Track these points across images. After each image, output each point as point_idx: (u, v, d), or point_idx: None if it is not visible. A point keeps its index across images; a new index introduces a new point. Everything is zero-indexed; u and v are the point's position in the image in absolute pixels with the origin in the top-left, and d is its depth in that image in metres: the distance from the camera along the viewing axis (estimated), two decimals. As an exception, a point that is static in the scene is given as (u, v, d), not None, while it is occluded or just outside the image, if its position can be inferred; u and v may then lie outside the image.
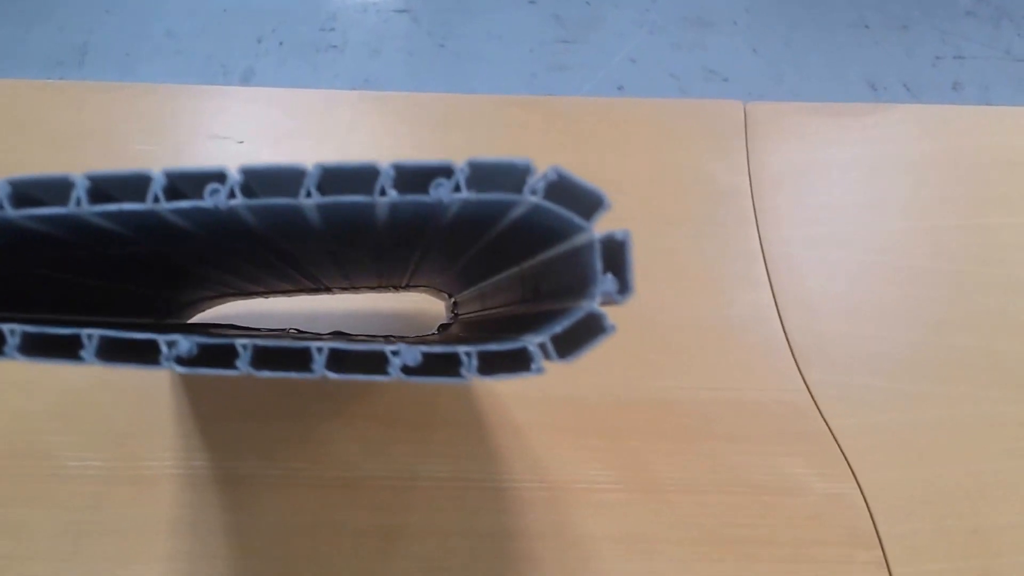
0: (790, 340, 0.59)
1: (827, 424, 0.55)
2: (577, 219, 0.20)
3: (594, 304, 0.21)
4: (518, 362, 0.21)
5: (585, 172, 0.62)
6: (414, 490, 0.51)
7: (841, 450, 0.54)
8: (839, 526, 0.51)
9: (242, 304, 0.58)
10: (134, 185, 0.21)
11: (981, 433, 0.56)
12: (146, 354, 0.22)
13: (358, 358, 0.21)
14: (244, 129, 0.68)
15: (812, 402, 0.56)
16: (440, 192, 0.20)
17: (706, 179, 0.68)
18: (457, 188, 0.20)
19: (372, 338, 0.58)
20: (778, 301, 0.61)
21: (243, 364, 0.21)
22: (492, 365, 0.21)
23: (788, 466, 0.53)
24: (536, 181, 0.20)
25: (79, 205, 0.21)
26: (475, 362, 0.21)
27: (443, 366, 0.21)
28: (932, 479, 0.53)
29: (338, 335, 0.59)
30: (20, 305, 0.27)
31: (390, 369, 0.21)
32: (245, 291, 0.54)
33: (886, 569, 0.49)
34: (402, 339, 0.55)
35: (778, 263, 0.64)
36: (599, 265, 0.20)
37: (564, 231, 0.21)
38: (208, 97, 0.71)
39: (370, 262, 0.40)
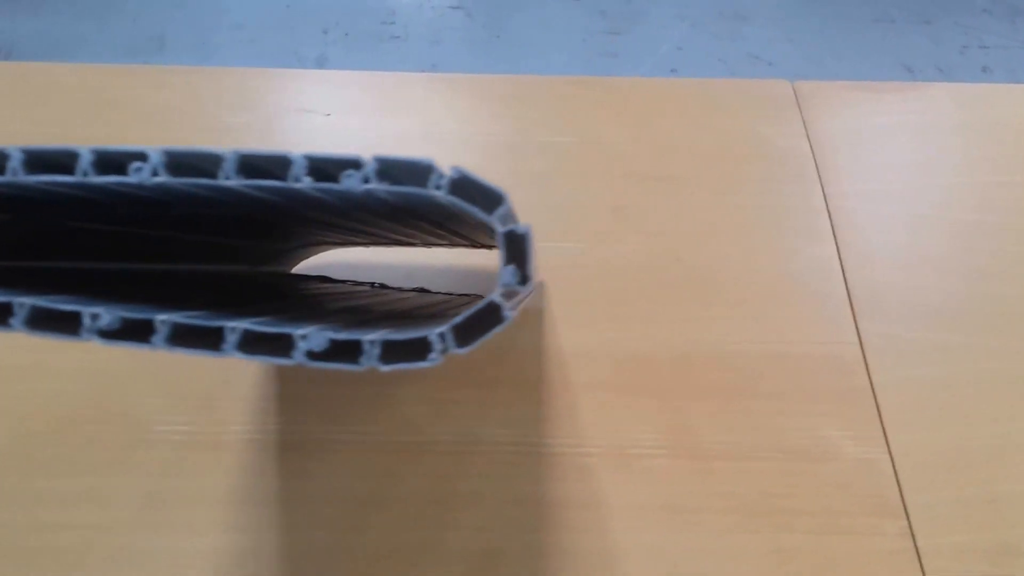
0: (850, 291, 0.58)
1: (869, 378, 0.53)
2: (480, 213, 0.20)
3: (494, 295, 0.21)
4: (418, 351, 0.21)
5: (647, 142, 0.63)
6: (474, 455, 0.50)
7: (877, 408, 0.53)
8: (868, 495, 0.49)
9: (344, 253, 0.59)
10: (64, 160, 0.22)
11: (1012, 390, 0.54)
12: (69, 325, 0.22)
13: (267, 340, 0.21)
14: (328, 105, 0.70)
15: (860, 355, 0.54)
16: (350, 183, 0.20)
17: (765, 143, 0.67)
18: (367, 180, 0.20)
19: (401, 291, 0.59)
20: (841, 254, 0.60)
21: (159, 340, 0.22)
22: (393, 354, 0.21)
23: (823, 427, 0.52)
24: (439, 178, 0.20)
25: (15, 175, 0.22)
26: (376, 351, 0.21)
27: (346, 353, 0.21)
28: (958, 441, 0.52)
29: (381, 287, 0.60)
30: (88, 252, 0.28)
31: (295, 353, 0.21)
32: (339, 242, 0.55)
33: (911, 540, 0.48)
34: (462, 296, 0.57)
35: (840, 217, 0.62)
36: (501, 257, 0.20)
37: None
38: (289, 78, 0.73)
39: (390, 228, 0.40)
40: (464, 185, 0.20)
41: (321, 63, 1.76)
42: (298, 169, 0.20)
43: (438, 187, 0.19)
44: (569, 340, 0.55)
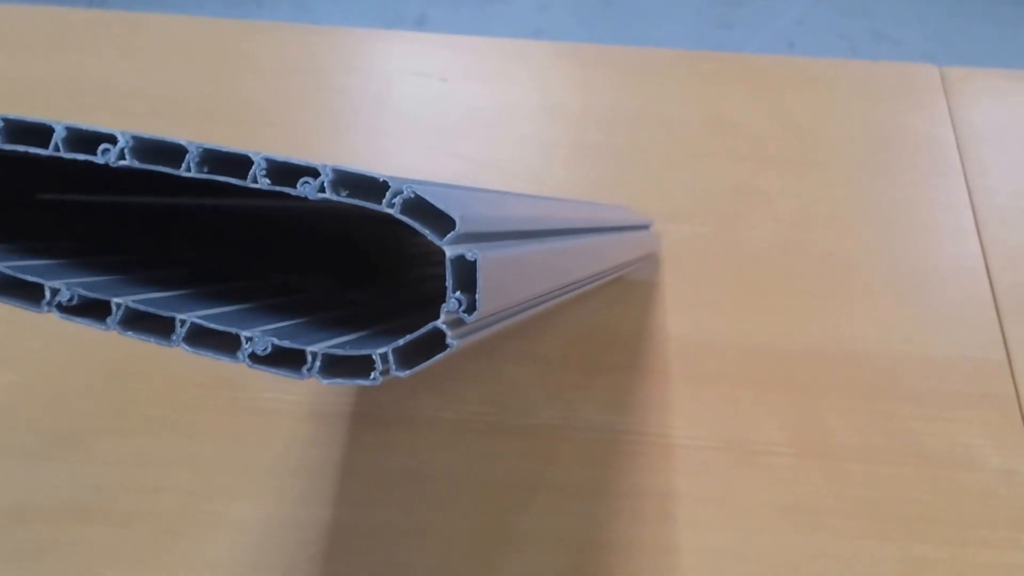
0: (995, 293, 0.57)
1: (1015, 386, 0.52)
2: (431, 235, 0.20)
3: (438, 322, 0.21)
4: (360, 369, 0.21)
5: (777, 123, 0.63)
6: (587, 442, 0.50)
7: (1023, 416, 0.51)
8: (1010, 507, 0.48)
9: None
10: (40, 131, 0.23)
11: None
12: (31, 296, 0.23)
13: (214, 336, 0.22)
14: (443, 70, 0.71)
15: (1007, 361, 0.53)
16: (305, 190, 0.20)
17: (908, 131, 0.66)
18: (322, 189, 0.20)
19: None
20: (986, 252, 0.59)
21: (112, 322, 0.22)
22: (335, 369, 0.22)
23: (965, 435, 0.51)
24: (394, 196, 0.20)
25: None
26: (318, 363, 0.21)
27: (288, 360, 0.22)
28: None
29: None
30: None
31: (239, 354, 0.22)
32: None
33: (1052, 557, 0.47)
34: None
35: (986, 214, 0.61)
36: (449, 283, 0.21)
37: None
38: (403, 40, 0.74)
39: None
40: (418, 206, 0.20)
41: (421, 22, 1.78)
42: (257, 169, 0.21)
43: (391, 205, 0.20)
44: (691, 327, 0.55)
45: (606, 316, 0.56)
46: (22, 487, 0.48)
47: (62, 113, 0.64)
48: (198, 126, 0.65)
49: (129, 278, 0.26)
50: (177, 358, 0.52)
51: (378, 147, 0.66)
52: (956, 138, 0.66)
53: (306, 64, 0.70)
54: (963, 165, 0.64)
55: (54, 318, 0.23)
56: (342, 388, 0.52)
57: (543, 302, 0.32)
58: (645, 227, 0.57)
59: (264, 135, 0.65)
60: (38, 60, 0.69)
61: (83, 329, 0.51)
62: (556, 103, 0.69)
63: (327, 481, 0.49)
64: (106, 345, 0.53)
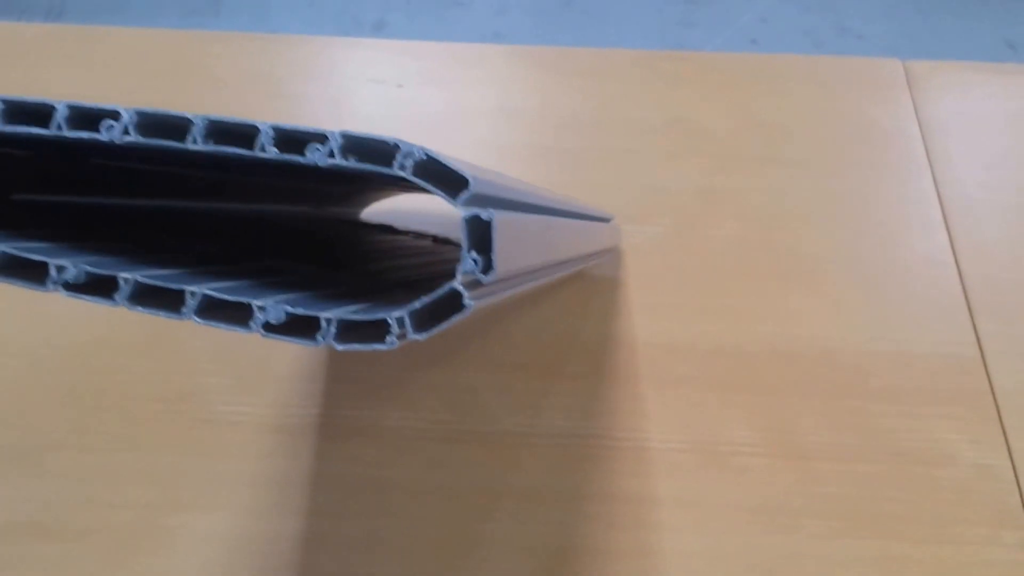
0: (966, 288, 0.57)
1: (989, 380, 0.53)
2: (445, 197, 0.20)
3: (455, 283, 0.21)
4: (375, 333, 0.22)
5: (740, 121, 0.64)
6: (552, 447, 0.50)
7: (998, 412, 0.52)
8: (986, 503, 0.49)
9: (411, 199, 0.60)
10: (42, 111, 0.23)
11: None
12: (36, 275, 0.23)
13: (226, 308, 0.22)
14: (399, 76, 0.71)
15: (979, 356, 0.54)
16: (315, 156, 0.21)
17: (872, 126, 0.67)
18: (332, 155, 0.20)
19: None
20: (955, 245, 0.59)
21: (121, 298, 0.23)
22: (350, 334, 0.22)
23: (940, 430, 0.51)
24: (404, 158, 0.20)
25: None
26: (334, 329, 0.21)
27: (303, 329, 0.22)
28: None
29: (444, 241, 0.61)
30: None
31: (252, 324, 0.22)
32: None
33: (1033, 551, 0.47)
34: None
35: (954, 206, 0.62)
36: (465, 243, 0.21)
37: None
38: (360, 47, 0.74)
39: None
40: (430, 167, 0.20)
41: (379, 28, 1.78)
42: (265, 139, 0.21)
43: (403, 167, 0.20)
44: (655, 331, 0.56)
45: (567, 319, 0.56)
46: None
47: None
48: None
49: (130, 260, 0.26)
50: (133, 372, 0.52)
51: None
52: (921, 131, 0.66)
53: (263, 73, 0.70)
54: (929, 158, 0.65)
55: (121, 308, 0.23)
56: (300, 399, 0.52)
57: (537, 278, 0.32)
58: (607, 220, 0.57)
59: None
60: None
61: (38, 344, 0.51)
62: (514, 107, 0.69)
63: (289, 493, 0.49)
64: (62, 360, 0.53)
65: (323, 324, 0.21)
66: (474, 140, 0.67)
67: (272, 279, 0.27)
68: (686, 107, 0.69)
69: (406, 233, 0.60)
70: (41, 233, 0.27)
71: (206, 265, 0.28)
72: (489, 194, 0.23)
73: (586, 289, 0.58)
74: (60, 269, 0.23)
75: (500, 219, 0.21)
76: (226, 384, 0.53)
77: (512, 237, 0.23)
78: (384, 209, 0.61)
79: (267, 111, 0.67)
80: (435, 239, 0.60)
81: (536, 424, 0.51)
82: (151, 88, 0.68)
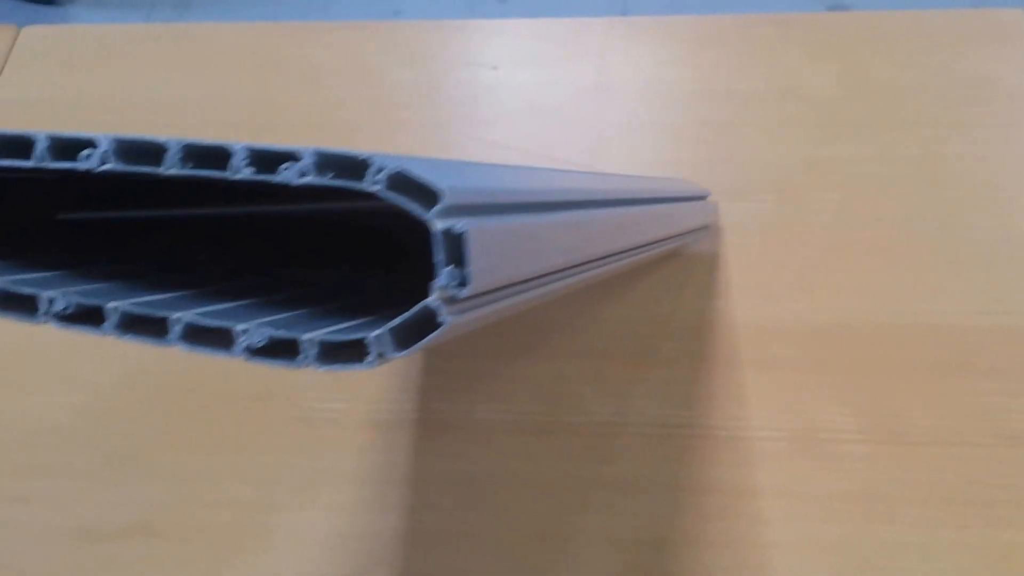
0: None
1: None
2: (417, 210, 0.20)
3: (429, 299, 0.21)
4: (355, 354, 0.21)
5: (849, 85, 0.62)
6: (644, 437, 0.50)
7: None
8: None
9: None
10: (20, 145, 0.23)
11: None
12: (27, 308, 0.24)
13: (210, 334, 0.22)
14: (496, 57, 0.72)
15: None
16: (288, 175, 0.21)
17: (990, 84, 0.64)
18: (304, 173, 0.20)
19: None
20: None
21: (109, 327, 0.23)
22: (330, 356, 0.22)
23: None
24: (376, 173, 0.20)
25: None
26: (314, 351, 0.22)
27: (285, 351, 0.22)
28: None
29: None
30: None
31: (235, 348, 0.22)
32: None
33: None
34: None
35: None
36: (440, 258, 0.20)
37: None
38: (455, 29, 0.75)
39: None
40: (402, 181, 0.20)
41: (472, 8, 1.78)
42: (238, 160, 0.21)
43: (375, 183, 0.20)
44: (753, 311, 0.55)
45: (661, 302, 0.56)
46: (87, 507, 0.51)
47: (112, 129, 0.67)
48: (248, 135, 0.68)
49: (137, 282, 0.27)
50: (227, 371, 0.54)
51: (431, 143, 0.67)
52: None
53: (357, 64, 0.72)
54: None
55: (111, 339, 0.24)
56: (392, 394, 0.54)
57: (566, 277, 0.32)
58: (701, 198, 0.56)
59: (314, 139, 0.67)
60: (89, 77, 0.73)
61: (132, 347, 0.54)
62: (611, 82, 0.68)
63: (384, 489, 0.50)
64: (157, 362, 0.56)
65: (303, 346, 0.22)
66: (570, 120, 0.67)
67: (284, 294, 0.28)
68: (790, 73, 0.67)
69: None
70: (62, 254, 0.28)
71: (221, 281, 0.29)
72: (480, 202, 0.22)
73: (681, 269, 0.57)
74: (50, 301, 0.24)
75: (481, 229, 0.21)
76: (320, 382, 0.54)
77: (501, 246, 0.22)
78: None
79: (360, 104, 0.69)
80: None
81: (629, 413, 0.52)
82: (251, 83, 0.71)
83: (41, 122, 0.69)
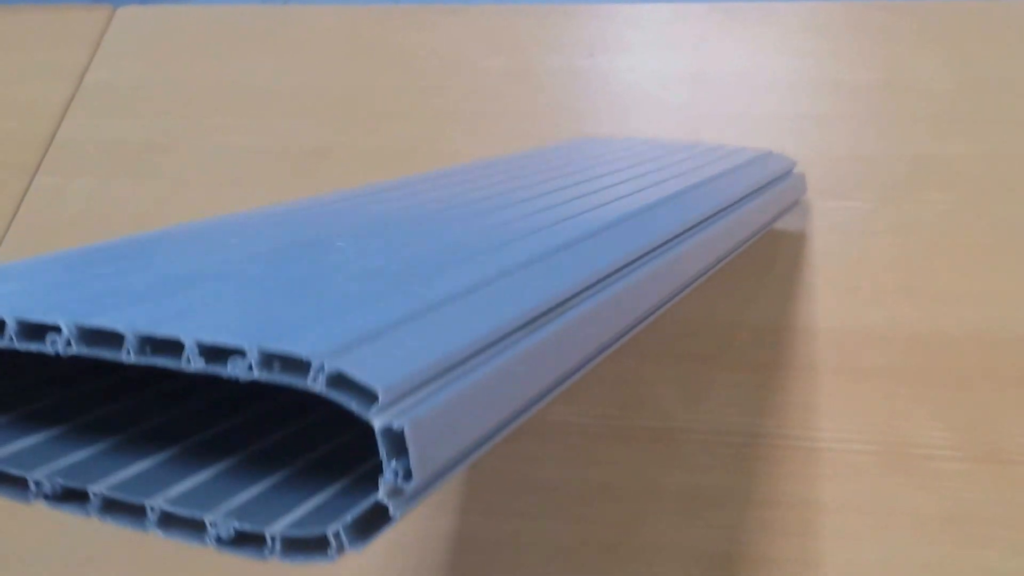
0: None
1: None
2: (358, 408, 0.20)
3: (379, 495, 0.21)
4: (318, 548, 0.22)
5: (966, 79, 0.59)
6: (726, 446, 0.49)
7: None
8: None
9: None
10: None
11: None
12: (18, 489, 0.25)
13: (183, 523, 0.23)
14: (588, 44, 0.70)
15: None
16: (235, 370, 0.21)
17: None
18: (250, 368, 0.21)
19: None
20: None
21: (92, 510, 0.24)
22: (294, 549, 0.22)
23: None
24: (318, 373, 0.20)
25: None
26: (279, 546, 0.22)
27: (251, 543, 0.22)
28: None
29: None
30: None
31: (207, 539, 0.23)
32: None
33: None
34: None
35: None
36: (383, 455, 0.21)
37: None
38: (547, 15, 0.74)
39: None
40: (341, 380, 0.20)
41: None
42: (190, 351, 0.21)
43: (315, 380, 0.20)
44: (844, 315, 0.53)
45: (746, 303, 0.54)
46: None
47: (205, 112, 0.69)
48: (338, 120, 0.68)
49: (125, 439, 0.28)
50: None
51: (523, 131, 0.66)
52: None
53: (448, 47, 0.71)
54: None
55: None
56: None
57: (565, 382, 0.31)
58: (787, 174, 0.54)
59: (399, 127, 0.67)
60: (182, 59, 0.74)
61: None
62: (707, 71, 0.66)
63: (453, 492, 0.50)
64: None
65: (268, 541, 0.22)
66: (666, 108, 0.65)
67: (266, 442, 0.29)
68: (900, 64, 0.64)
69: None
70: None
71: (213, 423, 0.29)
72: (427, 377, 0.22)
73: (767, 270, 0.55)
74: (39, 484, 0.25)
75: (417, 422, 0.21)
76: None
77: (447, 424, 0.22)
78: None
79: (455, 87, 0.68)
80: None
81: (708, 419, 0.50)
82: (345, 67, 0.71)
83: (136, 104, 0.71)
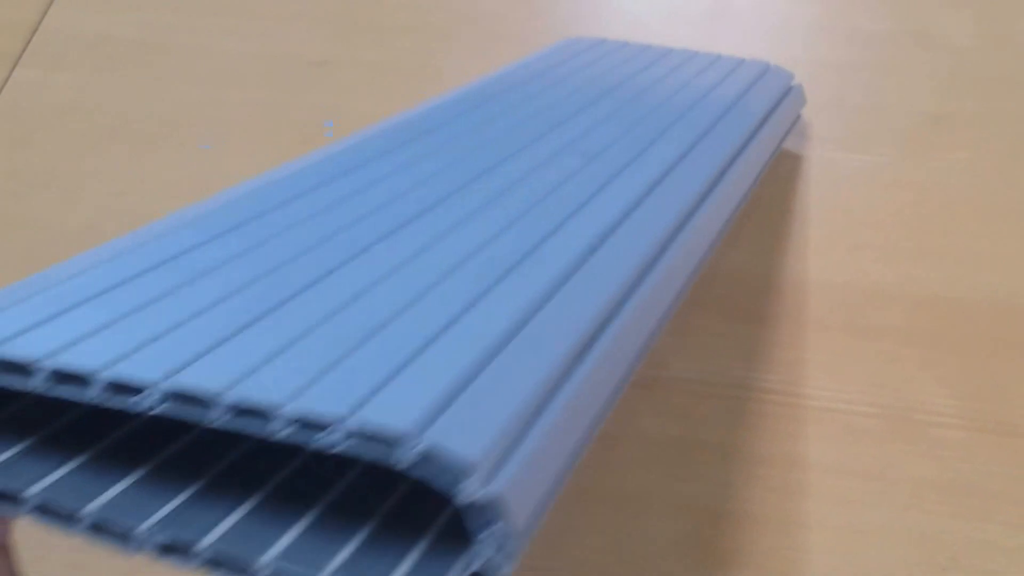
0: None
1: None
2: (447, 486, 0.19)
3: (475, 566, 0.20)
4: None
5: (989, 35, 0.56)
6: (724, 399, 0.47)
7: None
8: None
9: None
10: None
11: None
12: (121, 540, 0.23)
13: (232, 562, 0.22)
14: None
15: None
16: (322, 442, 0.20)
17: None
18: (334, 445, 0.20)
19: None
20: None
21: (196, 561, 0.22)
22: None
23: None
24: (406, 452, 0.19)
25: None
26: None
27: None
28: None
29: None
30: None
31: None
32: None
33: None
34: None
35: None
36: (472, 527, 0.19)
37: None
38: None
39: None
40: (431, 458, 0.19)
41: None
42: (279, 424, 0.21)
43: (402, 458, 0.19)
44: (856, 273, 0.51)
45: (756, 256, 0.52)
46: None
47: (199, 11, 0.65)
48: (333, 33, 0.65)
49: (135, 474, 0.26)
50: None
51: (522, 47, 0.63)
52: None
53: None
54: None
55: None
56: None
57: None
58: (789, 91, 0.52)
59: (401, 42, 0.64)
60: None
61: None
62: (727, 7, 0.64)
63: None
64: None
65: None
66: (684, 46, 0.62)
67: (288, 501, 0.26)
68: (923, 16, 0.62)
69: None
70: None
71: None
72: (512, 436, 0.21)
73: (780, 219, 0.53)
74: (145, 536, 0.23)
75: (512, 486, 0.20)
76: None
77: (535, 477, 0.22)
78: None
79: (456, 4, 0.65)
80: None
81: (711, 371, 0.48)
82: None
83: (88, 59, 0.67)
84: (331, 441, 0.20)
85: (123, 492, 0.24)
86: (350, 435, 0.20)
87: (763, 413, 0.46)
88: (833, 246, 0.52)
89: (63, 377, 0.23)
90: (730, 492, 0.44)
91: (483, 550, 0.19)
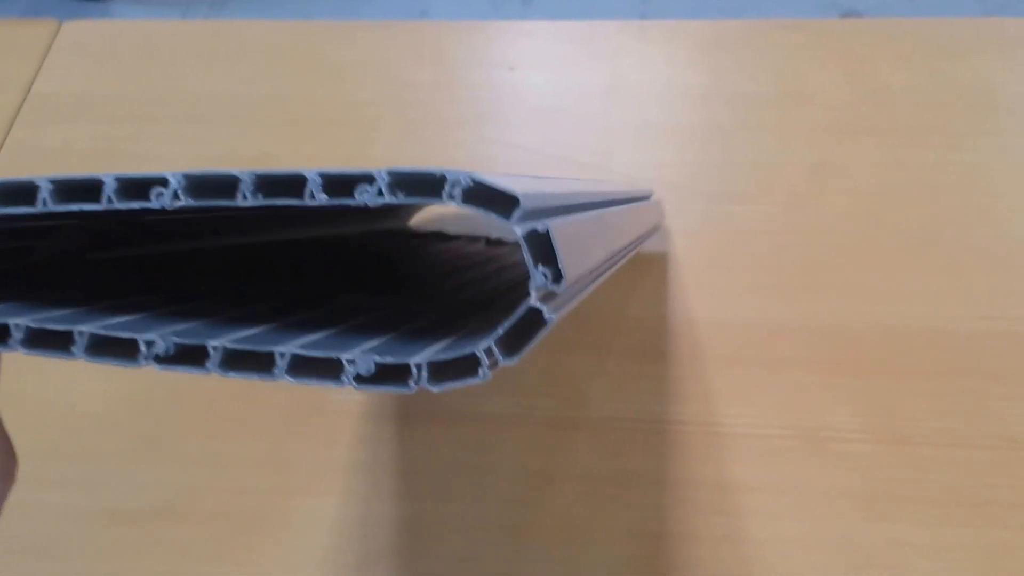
0: None
1: None
2: (497, 219, 0.20)
3: (532, 300, 0.21)
4: (467, 369, 0.21)
5: (857, 90, 0.62)
6: (651, 433, 0.51)
7: None
8: None
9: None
10: (91, 187, 0.23)
11: None
12: (127, 352, 0.23)
13: (317, 365, 0.22)
14: (513, 58, 0.72)
15: None
16: (364, 197, 0.21)
17: (997, 91, 0.64)
18: (380, 193, 0.21)
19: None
20: None
21: (213, 366, 0.23)
22: (442, 374, 0.22)
23: None
24: (452, 187, 0.20)
25: (46, 205, 0.23)
26: (425, 373, 0.21)
27: (394, 376, 0.22)
28: None
29: (497, 242, 0.60)
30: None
31: (344, 377, 0.22)
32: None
33: None
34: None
35: None
36: (529, 259, 0.20)
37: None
38: (473, 31, 0.75)
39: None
40: (479, 192, 0.20)
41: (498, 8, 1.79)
42: (313, 186, 0.21)
43: (452, 196, 0.20)
44: (758, 312, 0.55)
45: (658, 302, 0.56)
46: (113, 490, 0.52)
47: (147, 122, 0.68)
48: (275, 129, 0.68)
49: (203, 323, 0.27)
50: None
51: (446, 141, 0.67)
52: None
53: (378, 60, 0.72)
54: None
55: (215, 376, 0.23)
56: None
57: (601, 273, 0.31)
58: (647, 198, 0.56)
59: (333, 134, 0.67)
60: (126, 71, 0.73)
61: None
62: (621, 84, 0.68)
63: (396, 477, 0.51)
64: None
65: (414, 370, 0.22)
66: (582, 120, 0.67)
67: (352, 321, 0.28)
68: (801, 78, 0.67)
69: (458, 238, 0.61)
70: (117, 299, 0.28)
71: (284, 315, 0.28)
72: (539, 206, 0.23)
73: (667, 270, 0.58)
74: (149, 344, 0.23)
75: (556, 227, 0.21)
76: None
77: (572, 241, 0.22)
78: (432, 215, 0.63)
79: (384, 98, 0.69)
80: (488, 241, 0.61)
81: (631, 409, 0.52)
82: (280, 80, 0.71)
83: (81, 114, 0.70)
84: (370, 193, 0.21)
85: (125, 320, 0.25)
86: (393, 183, 0.21)
87: (685, 443, 0.50)
88: (733, 289, 0.56)
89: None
90: (666, 515, 0.48)
91: (538, 282, 0.20)
